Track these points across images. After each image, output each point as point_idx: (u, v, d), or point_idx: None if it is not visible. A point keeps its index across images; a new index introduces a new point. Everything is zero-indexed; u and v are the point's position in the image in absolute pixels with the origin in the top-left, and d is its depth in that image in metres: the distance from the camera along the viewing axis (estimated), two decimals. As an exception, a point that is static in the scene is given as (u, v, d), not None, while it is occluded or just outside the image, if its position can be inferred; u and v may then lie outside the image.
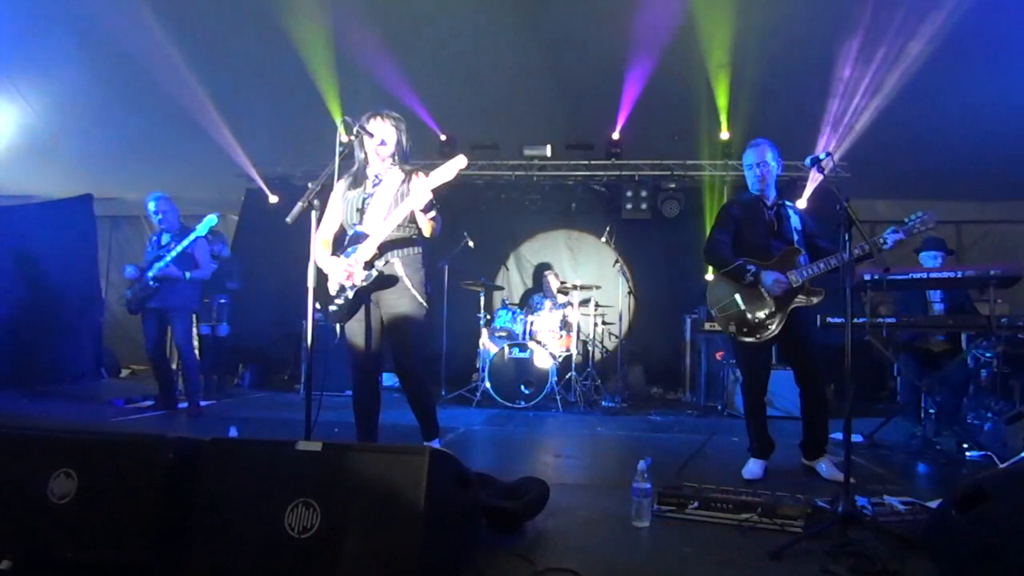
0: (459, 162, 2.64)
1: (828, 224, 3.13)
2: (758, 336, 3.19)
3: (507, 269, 7.76)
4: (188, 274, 4.73)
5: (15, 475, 1.94)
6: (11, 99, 6.63)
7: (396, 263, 2.86)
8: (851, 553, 2.05)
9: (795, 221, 3.33)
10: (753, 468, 3.26)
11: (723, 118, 6.48)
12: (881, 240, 3.03)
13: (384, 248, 2.82)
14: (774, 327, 3.16)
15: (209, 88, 6.31)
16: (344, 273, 2.80)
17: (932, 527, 2.02)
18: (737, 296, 3.23)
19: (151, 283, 4.69)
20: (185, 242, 4.70)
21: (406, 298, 2.86)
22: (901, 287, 4.37)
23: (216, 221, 4.77)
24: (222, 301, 6.36)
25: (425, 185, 2.67)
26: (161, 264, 4.65)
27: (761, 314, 3.18)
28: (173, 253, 4.67)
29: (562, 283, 6.69)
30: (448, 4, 5.55)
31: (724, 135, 6.72)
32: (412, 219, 2.86)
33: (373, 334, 2.92)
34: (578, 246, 7.73)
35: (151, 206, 4.83)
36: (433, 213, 2.76)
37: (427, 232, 2.85)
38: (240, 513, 1.75)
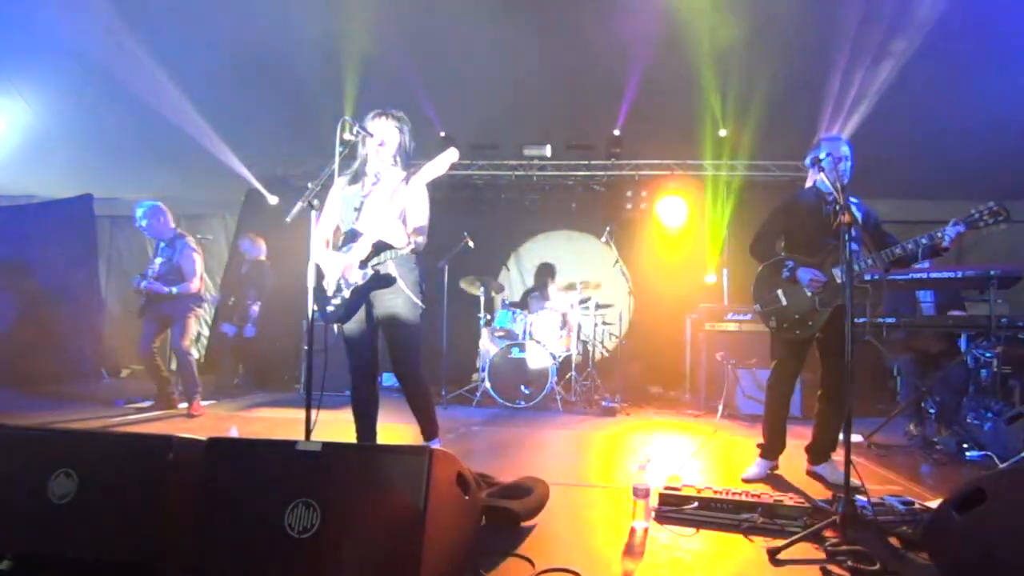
0: (451, 155, 2.66)
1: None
2: (797, 332, 3.14)
3: (507, 269, 7.75)
4: (174, 289, 4.74)
5: (15, 475, 1.94)
6: (11, 99, 6.63)
7: (390, 263, 2.85)
8: (851, 553, 2.05)
9: (856, 217, 3.21)
10: (756, 468, 3.25)
11: (723, 117, 6.49)
12: (940, 235, 2.88)
13: (379, 247, 2.82)
14: (814, 324, 3.11)
15: (209, 88, 6.31)
16: (340, 269, 2.80)
17: (932, 527, 2.02)
18: (779, 292, 3.21)
19: (142, 299, 4.80)
20: (157, 262, 4.77)
21: (401, 299, 2.86)
22: (901, 287, 4.37)
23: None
24: (250, 302, 6.43)
25: (418, 180, 2.72)
26: (145, 281, 4.76)
27: (802, 310, 3.13)
28: (155, 265, 4.77)
29: (562, 283, 6.69)
30: (449, 4, 5.55)
31: (722, 132, 6.73)
32: (404, 219, 2.86)
33: (370, 335, 2.92)
34: (578, 246, 7.73)
35: (138, 214, 4.85)
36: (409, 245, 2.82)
37: (398, 243, 2.81)
38: (240, 513, 1.75)
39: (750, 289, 3.39)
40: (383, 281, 2.83)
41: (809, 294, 3.11)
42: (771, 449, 3.28)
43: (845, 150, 3.16)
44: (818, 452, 3.25)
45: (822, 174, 3.05)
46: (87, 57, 6.08)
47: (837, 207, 3.17)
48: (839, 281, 3.06)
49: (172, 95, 6.28)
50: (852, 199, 3.23)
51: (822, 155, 3.07)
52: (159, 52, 5.85)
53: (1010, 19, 5.11)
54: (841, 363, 3.06)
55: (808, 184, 3.34)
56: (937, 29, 5.17)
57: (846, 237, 2.64)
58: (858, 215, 3.24)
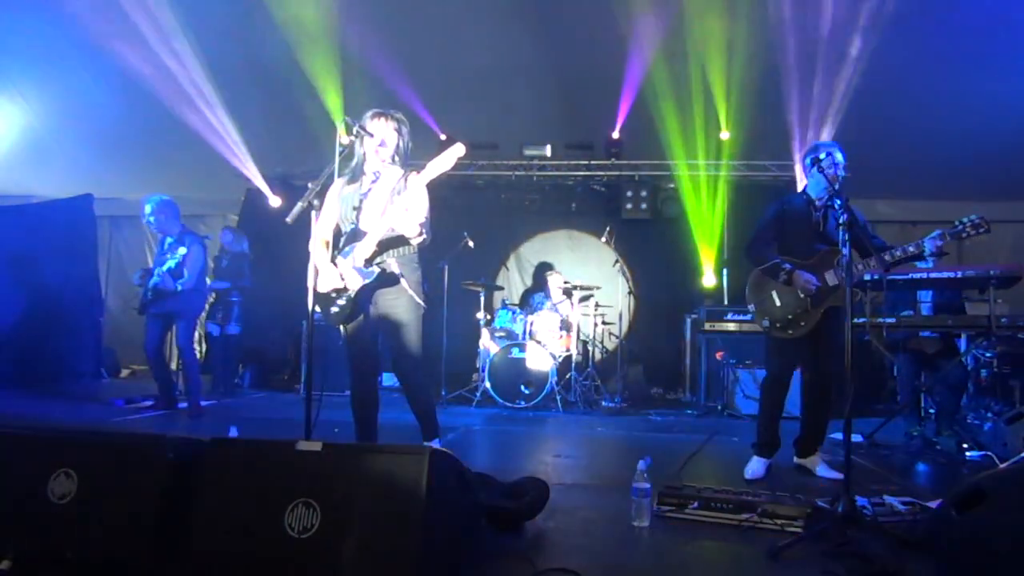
0: (457, 151, 2.64)
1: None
2: (789, 332, 3.23)
3: (507, 269, 7.76)
4: (179, 286, 4.70)
5: (15, 475, 1.94)
6: (11, 99, 6.63)
7: (392, 263, 2.84)
8: (851, 553, 2.05)
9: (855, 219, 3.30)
10: (756, 467, 3.27)
11: (723, 118, 6.49)
12: (921, 245, 2.95)
13: (384, 245, 2.81)
14: (806, 324, 3.19)
15: (209, 88, 6.31)
16: (338, 282, 2.78)
17: (932, 527, 2.02)
18: (774, 293, 3.29)
19: (148, 294, 4.73)
20: (179, 252, 4.67)
21: (403, 299, 2.85)
22: (900, 287, 4.36)
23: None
24: (233, 299, 6.37)
25: (422, 178, 2.70)
26: (159, 272, 4.68)
27: (795, 311, 3.21)
28: (168, 264, 4.67)
29: (563, 283, 6.69)
30: (449, 4, 5.55)
31: (724, 135, 6.73)
32: None
33: (371, 335, 2.91)
34: (578, 246, 7.73)
35: (147, 210, 4.76)
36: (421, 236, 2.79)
37: (410, 233, 2.80)
38: (240, 513, 1.75)
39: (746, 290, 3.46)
40: (387, 280, 2.81)
41: (801, 296, 3.18)
42: (767, 447, 3.31)
43: (839, 157, 3.21)
44: (805, 446, 3.32)
45: (818, 173, 3.14)
46: (88, 57, 6.08)
47: (826, 212, 3.25)
48: (831, 284, 3.15)
49: (173, 95, 6.28)
50: (838, 201, 3.27)
51: (822, 155, 3.14)
52: (160, 53, 5.85)
53: (1010, 19, 5.11)
54: (829, 361, 3.20)
55: (800, 188, 3.38)
56: (937, 29, 5.17)
57: (845, 237, 2.65)
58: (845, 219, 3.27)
